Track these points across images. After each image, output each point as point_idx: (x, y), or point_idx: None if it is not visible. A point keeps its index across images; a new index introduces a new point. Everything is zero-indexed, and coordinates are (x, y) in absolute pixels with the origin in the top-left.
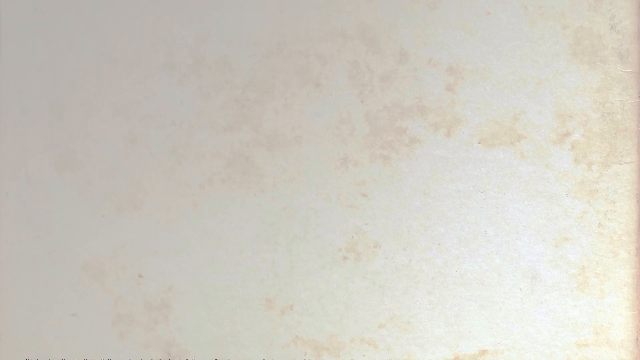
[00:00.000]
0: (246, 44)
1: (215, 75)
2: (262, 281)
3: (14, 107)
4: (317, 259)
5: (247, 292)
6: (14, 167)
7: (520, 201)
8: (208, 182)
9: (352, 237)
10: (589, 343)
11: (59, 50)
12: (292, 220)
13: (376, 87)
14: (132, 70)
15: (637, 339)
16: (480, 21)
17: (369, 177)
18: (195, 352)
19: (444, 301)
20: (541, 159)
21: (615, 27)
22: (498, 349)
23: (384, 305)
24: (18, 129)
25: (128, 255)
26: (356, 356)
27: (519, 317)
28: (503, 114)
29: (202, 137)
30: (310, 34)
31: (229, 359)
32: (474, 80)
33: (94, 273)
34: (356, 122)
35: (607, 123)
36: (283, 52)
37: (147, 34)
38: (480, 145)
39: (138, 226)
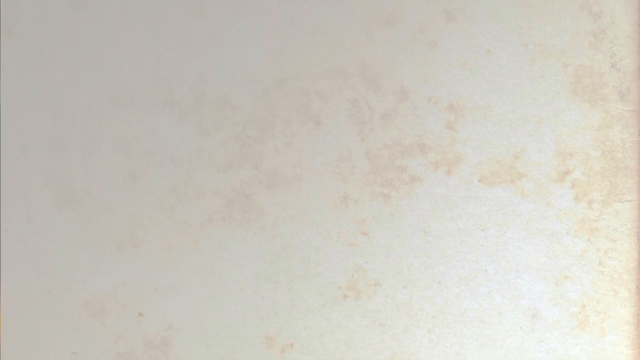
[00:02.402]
0: (246, 82)
1: (215, 113)
2: (263, 319)
3: (14, 144)
4: (318, 297)
5: (248, 330)
6: (14, 205)
7: (521, 239)
8: (208, 220)
9: (353, 275)
10: None
11: (59, 88)
12: (292, 258)
13: (376, 125)
14: (132, 107)
15: None
16: (481, 59)
17: (369, 215)
18: None
19: (445, 339)
20: (542, 197)
21: (616, 66)
22: None
23: (385, 343)
24: (18, 166)
25: (128, 294)
26: None
27: (519, 356)
28: (503, 152)
29: (202, 175)
30: (311, 72)
31: None
32: (474, 119)
33: (94, 311)
34: (356, 160)
35: (608, 161)
36: (283, 89)
37: (148, 72)
38: (480, 183)
39: (138, 264)
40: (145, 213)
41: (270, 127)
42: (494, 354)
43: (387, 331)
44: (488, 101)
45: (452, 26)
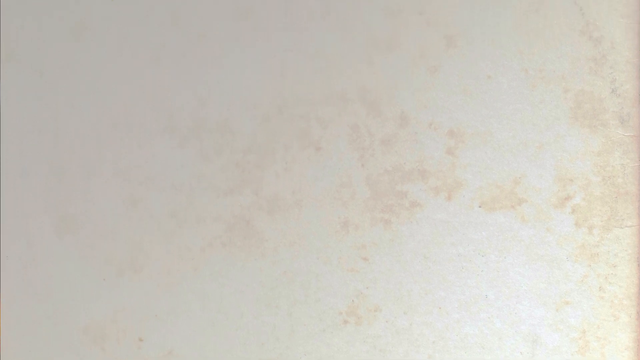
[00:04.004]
0: (246, 107)
1: (215, 138)
2: (263, 345)
3: (14, 170)
4: (318, 322)
5: (248, 356)
6: (14, 230)
7: (521, 265)
8: (208, 245)
9: (353, 300)
10: None
11: (59, 113)
12: (292, 284)
13: (377, 151)
14: (132, 133)
15: None
16: (481, 85)
17: (369, 241)
18: None
19: None
20: (542, 223)
21: (616, 91)
22: None
23: None
24: (18, 191)
25: (128, 319)
26: None
27: None
28: (504, 178)
29: (202, 200)
30: (311, 97)
31: None
32: (474, 144)
33: (94, 336)
34: (357, 186)
35: (608, 187)
36: (283, 115)
37: (148, 97)
38: (481, 208)
39: (138, 290)
40: (146, 238)
41: (270, 153)
42: None
43: (388, 357)
44: (488, 127)
45: (453, 52)
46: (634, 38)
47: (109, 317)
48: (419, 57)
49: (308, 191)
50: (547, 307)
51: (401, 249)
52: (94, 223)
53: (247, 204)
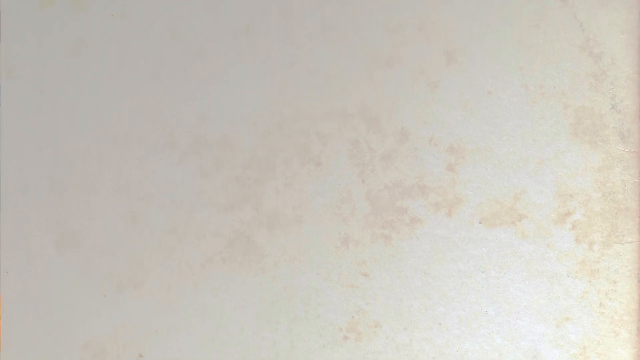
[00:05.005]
0: (246, 123)
1: (215, 154)
2: None
3: (14, 186)
4: (318, 338)
5: None
6: (14, 246)
7: (521, 281)
8: (209, 261)
9: (353, 316)
10: None
11: (59, 130)
12: (292, 299)
13: (377, 167)
14: (132, 149)
15: None
16: (481, 101)
17: (369, 257)
18: None
19: None
20: (542, 239)
21: (616, 107)
22: None
23: None
24: (18, 208)
25: (128, 335)
26: None
27: None
28: (504, 194)
29: (202, 216)
30: (311, 113)
31: None
32: (474, 160)
33: (94, 352)
34: (357, 202)
35: (608, 203)
36: (284, 131)
37: (148, 114)
38: (481, 224)
39: (138, 306)
40: (146, 254)
41: (270, 169)
42: None
43: None
44: (489, 142)
45: (453, 67)
46: (634, 54)
47: (109, 333)
48: (419, 73)
49: (308, 207)
50: (548, 323)
51: (401, 265)
52: (94, 239)
53: (247, 219)
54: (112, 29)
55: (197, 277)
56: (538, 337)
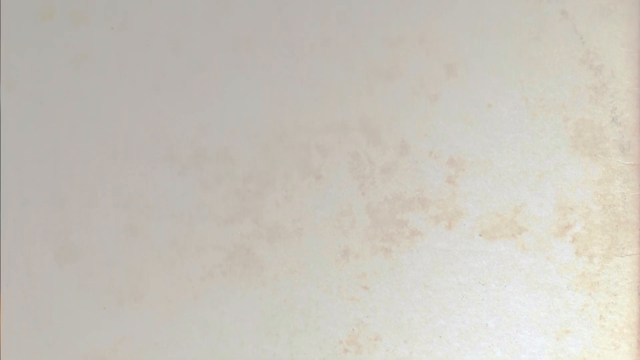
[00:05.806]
0: (247, 136)
1: (215, 167)
2: None
3: (14, 199)
4: (318, 351)
5: None
6: (14, 259)
7: (522, 294)
8: (209, 274)
9: (353, 329)
10: None
11: (59, 142)
12: (293, 312)
13: (377, 179)
14: (132, 162)
15: None
16: (481, 113)
17: (369, 270)
18: None
19: None
20: (542, 252)
21: (617, 120)
22: None
23: None
24: (18, 219)
25: (128, 348)
26: None
27: None
28: (504, 207)
29: (202, 229)
30: (311, 126)
31: None
32: (475, 173)
33: None
34: (357, 215)
35: (609, 215)
36: (284, 143)
37: (148, 126)
38: (481, 237)
39: (138, 318)
40: (146, 267)
41: (270, 181)
42: None
43: None
44: (489, 155)
45: (453, 80)
46: (634, 67)
47: (109, 346)
48: (419, 85)
49: (308, 219)
50: (548, 336)
51: (401, 278)
52: (94, 252)
53: (247, 232)
54: (113, 41)
55: (197, 289)
56: (538, 350)
